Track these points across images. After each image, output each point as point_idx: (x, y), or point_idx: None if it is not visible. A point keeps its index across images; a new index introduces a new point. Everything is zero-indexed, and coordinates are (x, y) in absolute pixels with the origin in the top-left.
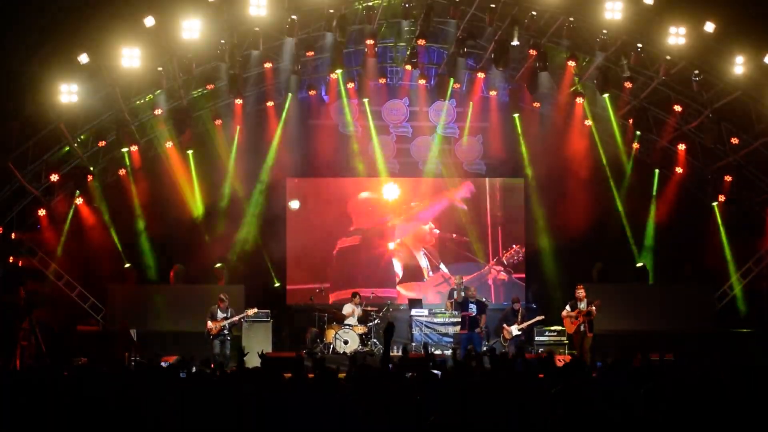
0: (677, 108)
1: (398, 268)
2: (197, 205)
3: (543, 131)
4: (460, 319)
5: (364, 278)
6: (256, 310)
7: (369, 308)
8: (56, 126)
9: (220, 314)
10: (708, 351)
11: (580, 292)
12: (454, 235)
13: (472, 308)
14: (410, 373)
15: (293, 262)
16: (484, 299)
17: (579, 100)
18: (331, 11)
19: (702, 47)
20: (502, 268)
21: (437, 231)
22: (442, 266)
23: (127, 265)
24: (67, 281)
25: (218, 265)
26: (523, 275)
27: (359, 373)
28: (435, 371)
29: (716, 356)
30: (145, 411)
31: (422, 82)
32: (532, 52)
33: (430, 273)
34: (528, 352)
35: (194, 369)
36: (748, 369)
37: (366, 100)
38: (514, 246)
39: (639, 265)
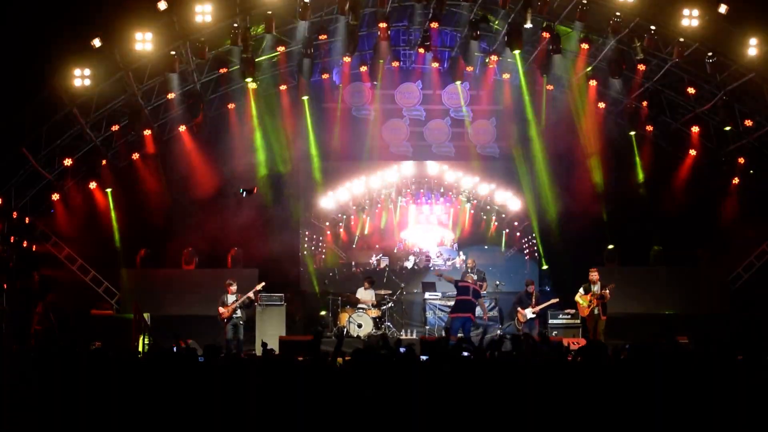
0: (691, 90)
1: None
2: (211, 189)
3: (556, 114)
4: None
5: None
6: (263, 284)
7: (383, 292)
8: (69, 110)
9: (230, 299)
10: (722, 334)
11: (594, 276)
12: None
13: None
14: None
15: (308, 245)
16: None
17: (592, 82)
18: None
19: (715, 29)
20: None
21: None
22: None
23: (142, 250)
24: (81, 265)
25: (235, 248)
26: (536, 257)
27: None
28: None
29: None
30: (163, 395)
31: (435, 65)
32: (545, 34)
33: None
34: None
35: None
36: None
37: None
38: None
39: (656, 248)
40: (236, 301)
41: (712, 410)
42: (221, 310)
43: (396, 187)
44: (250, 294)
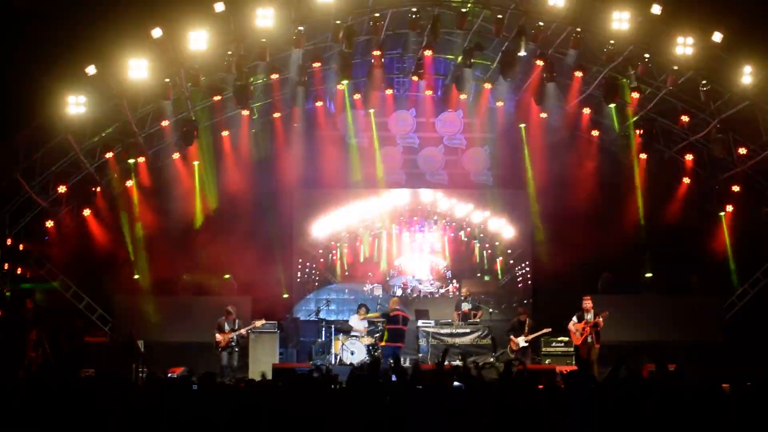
0: (684, 118)
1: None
2: (204, 217)
3: (549, 142)
4: (465, 330)
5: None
6: (264, 321)
7: (375, 320)
8: (64, 137)
9: (227, 326)
10: (715, 362)
11: (587, 304)
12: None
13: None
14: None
15: (301, 272)
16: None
17: (586, 110)
18: (338, 22)
19: (710, 57)
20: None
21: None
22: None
23: (136, 277)
24: (75, 292)
25: (226, 276)
26: (530, 285)
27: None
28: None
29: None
30: (156, 423)
31: (429, 93)
32: (539, 62)
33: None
34: (536, 362)
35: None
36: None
37: (372, 111)
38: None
39: (647, 275)
40: (233, 330)
41: None
42: (218, 336)
43: (389, 214)
44: (243, 331)
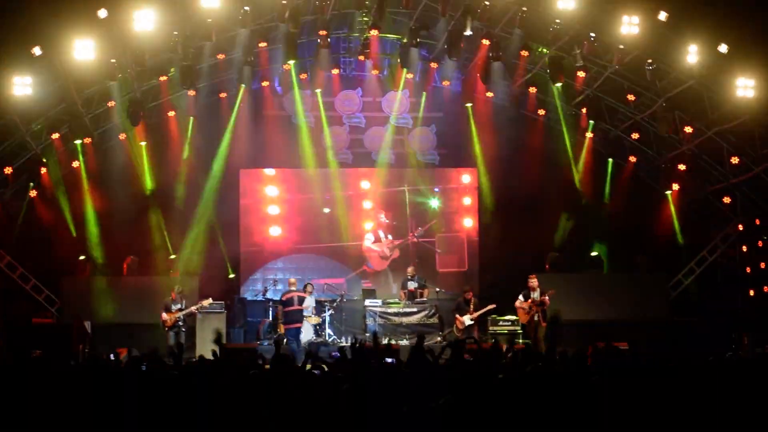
0: (630, 97)
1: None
2: (151, 197)
3: (496, 121)
4: (413, 309)
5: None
6: (210, 300)
7: (323, 299)
8: (10, 118)
9: (174, 306)
10: (661, 340)
11: (533, 282)
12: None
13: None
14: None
15: (247, 252)
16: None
17: (532, 89)
18: (284, 2)
19: (655, 36)
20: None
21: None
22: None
23: (82, 257)
24: (22, 273)
25: (172, 256)
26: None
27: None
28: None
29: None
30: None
31: (375, 72)
32: (485, 42)
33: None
34: (483, 342)
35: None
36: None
37: (318, 91)
38: (419, 227)
39: (593, 254)
40: (181, 310)
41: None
42: (164, 316)
43: (337, 194)
44: (193, 309)
